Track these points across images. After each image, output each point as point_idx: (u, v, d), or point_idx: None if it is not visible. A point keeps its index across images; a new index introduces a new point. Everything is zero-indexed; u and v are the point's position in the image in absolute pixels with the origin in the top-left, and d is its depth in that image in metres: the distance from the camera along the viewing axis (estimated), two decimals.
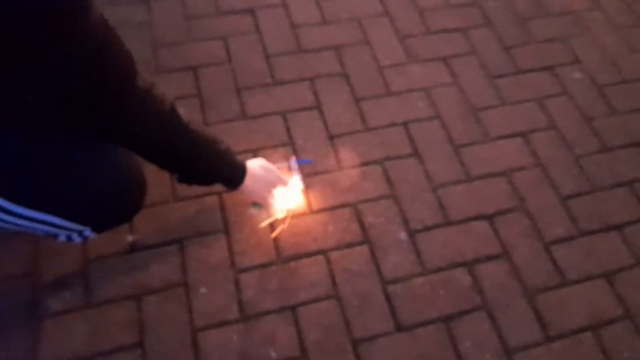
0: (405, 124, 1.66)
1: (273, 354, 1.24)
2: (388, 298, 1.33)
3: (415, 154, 1.60)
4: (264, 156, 1.54)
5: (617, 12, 2.04)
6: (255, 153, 1.56)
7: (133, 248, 1.37)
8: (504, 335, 1.30)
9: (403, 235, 1.44)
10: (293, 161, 1.53)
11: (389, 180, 1.54)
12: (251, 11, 1.89)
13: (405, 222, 1.46)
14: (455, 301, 1.34)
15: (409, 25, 1.91)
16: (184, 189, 1.46)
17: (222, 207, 1.45)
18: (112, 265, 1.34)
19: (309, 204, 1.47)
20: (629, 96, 1.80)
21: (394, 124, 1.66)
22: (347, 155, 1.58)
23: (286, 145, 1.59)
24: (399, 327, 1.29)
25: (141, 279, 1.32)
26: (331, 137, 1.61)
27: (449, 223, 1.47)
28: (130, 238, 1.38)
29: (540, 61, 1.85)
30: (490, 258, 1.42)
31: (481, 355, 1.27)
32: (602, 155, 1.66)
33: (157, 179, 1.47)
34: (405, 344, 1.27)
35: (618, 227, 1.51)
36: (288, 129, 1.62)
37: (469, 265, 1.40)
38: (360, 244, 1.42)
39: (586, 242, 1.47)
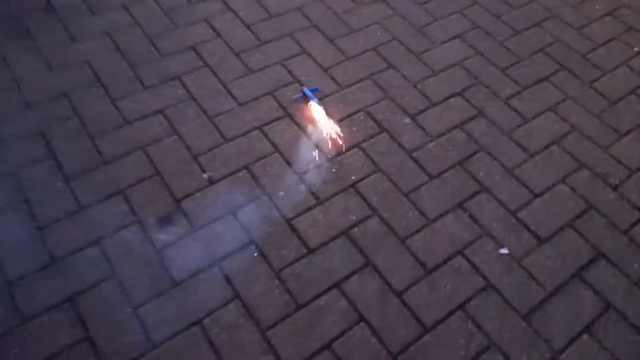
0: (374, 48, 2.10)
1: (353, 218, 1.60)
2: (416, 161, 1.75)
3: (391, 66, 2.04)
4: (281, 94, 1.90)
5: None
6: (272, 94, 1.90)
7: (211, 182, 1.65)
8: (489, 163, 1.77)
9: (408, 120, 1.87)
10: (306, 90, 1.89)
11: (380, 88, 1.96)
12: None
13: (405, 111, 1.89)
14: (461, 151, 1.80)
15: None
16: (230, 129, 1.77)
17: (267, 136, 1.78)
18: (200, 198, 1.61)
19: (331, 117, 1.84)
20: None
21: (366, 50, 2.09)
22: (343, 79, 1.98)
23: (294, 83, 1.95)
24: (431, 176, 1.72)
25: (230, 201, 1.61)
26: (325, 70, 2.00)
27: (434, 104, 1.93)
28: (205, 175, 1.66)
29: None
30: (471, 119, 1.90)
31: (493, 177, 1.73)
32: (516, 37, 2.22)
33: (205, 130, 1.77)
34: (440, 186, 1.70)
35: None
36: (290, 72, 1.98)
37: (459, 126, 1.87)
38: (380, 133, 1.82)
39: (533, 90, 2.00)
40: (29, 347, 1.33)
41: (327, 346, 1.36)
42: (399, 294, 1.46)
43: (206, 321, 1.39)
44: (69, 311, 1.39)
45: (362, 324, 1.41)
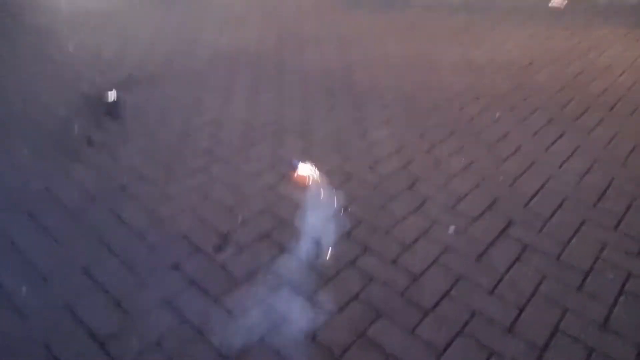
0: (330, 135, 3.02)
1: (347, 225, 2.31)
2: (379, 190, 2.55)
3: (344, 142, 2.95)
4: (276, 168, 2.70)
5: None
6: (270, 168, 2.69)
7: (244, 220, 2.31)
8: (428, 185, 2.62)
9: (367, 168, 2.71)
10: (294, 161, 2.71)
11: (341, 154, 2.83)
12: (217, 123, 3.12)
13: (362, 165, 2.75)
14: (406, 181, 2.63)
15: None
16: (249, 188, 2.49)
17: (274, 189, 2.51)
18: (241, 229, 2.26)
19: (314, 171, 2.64)
20: None
21: (327, 136, 3.01)
22: (314, 154, 2.83)
23: (282, 160, 2.77)
24: (392, 197, 2.51)
25: (261, 229, 2.27)
26: (302, 152, 2.86)
27: (381, 159, 2.81)
28: (240, 217, 2.33)
29: None
30: (408, 163, 2.78)
31: (433, 191, 2.55)
32: (421, 120, 3.26)
33: (230, 193, 2.48)
34: (401, 201, 2.48)
35: None
36: (277, 155, 2.81)
37: (401, 169, 2.73)
38: (349, 180, 2.63)
39: (450, 149, 2.97)
40: None
41: (355, 297, 1.97)
42: (392, 262, 2.13)
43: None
44: (169, 310, 1.90)
45: (374, 280, 2.04)
